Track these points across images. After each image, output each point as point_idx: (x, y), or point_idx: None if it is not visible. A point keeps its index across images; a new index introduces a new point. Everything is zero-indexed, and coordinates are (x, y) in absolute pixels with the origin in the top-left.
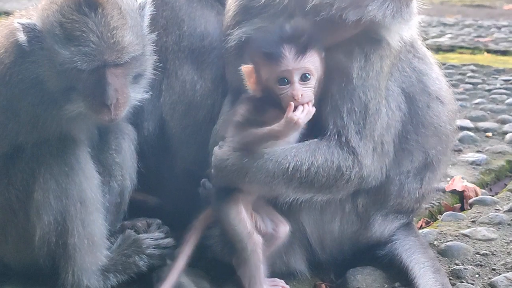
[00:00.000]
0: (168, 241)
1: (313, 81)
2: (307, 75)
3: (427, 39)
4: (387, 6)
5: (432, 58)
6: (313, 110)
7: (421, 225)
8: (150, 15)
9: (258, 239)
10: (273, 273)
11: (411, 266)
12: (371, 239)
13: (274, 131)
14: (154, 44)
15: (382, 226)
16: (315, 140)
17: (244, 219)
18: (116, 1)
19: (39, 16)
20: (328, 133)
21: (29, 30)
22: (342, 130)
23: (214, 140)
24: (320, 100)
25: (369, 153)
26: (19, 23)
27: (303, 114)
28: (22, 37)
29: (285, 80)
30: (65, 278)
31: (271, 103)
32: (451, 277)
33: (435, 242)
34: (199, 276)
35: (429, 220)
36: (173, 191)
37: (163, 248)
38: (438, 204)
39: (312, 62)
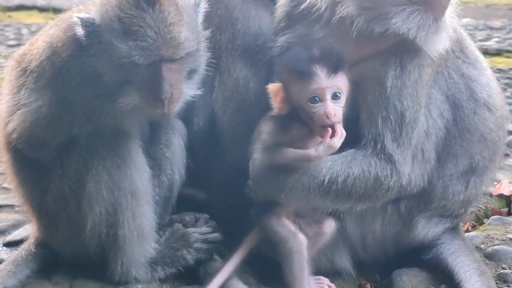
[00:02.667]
0: (215, 235)
1: (343, 100)
2: (338, 93)
3: (474, 43)
4: (412, 19)
5: (485, 63)
6: (344, 133)
7: (467, 229)
8: (205, 12)
9: (302, 239)
10: (318, 271)
11: (456, 269)
12: (414, 240)
13: (310, 156)
14: (208, 41)
15: (425, 229)
16: (351, 150)
17: (285, 224)
18: None
19: (97, 10)
20: (364, 143)
21: (88, 24)
22: (378, 138)
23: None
24: (355, 110)
25: (407, 161)
26: (78, 17)
27: (339, 139)
28: (80, 31)
29: (317, 98)
30: (114, 269)
31: (296, 121)
32: (497, 281)
33: (482, 246)
34: (245, 271)
35: (475, 224)
36: (221, 187)
37: (210, 243)
38: (484, 208)
39: (343, 81)
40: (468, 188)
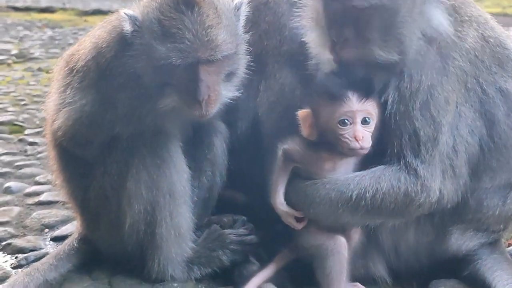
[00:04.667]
0: (251, 238)
1: (372, 126)
2: (367, 118)
3: None
4: None
5: None
6: None
7: (508, 244)
8: (247, 16)
9: (341, 239)
10: (354, 278)
11: (494, 283)
12: (447, 252)
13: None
14: (254, 46)
15: (459, 241)
16: (380, 166)
17: (318, 233)
18: (212, 0)
19: (140, 12)
20: (391, 159)
21: (133, 20)
22: (401, 155)
23: None
24: (383, 125)
25: (436, 177)
26: (125, 14)
27: None
28: (126, 26)
29: (346, 120)
30: (151, 267)
31: (323, 147)
32: None
33: None
34: (280, 275)
35: None
36: (261, 191)
37: (246, 245)
38: None
39: (373, 107)
40: (506, 203)
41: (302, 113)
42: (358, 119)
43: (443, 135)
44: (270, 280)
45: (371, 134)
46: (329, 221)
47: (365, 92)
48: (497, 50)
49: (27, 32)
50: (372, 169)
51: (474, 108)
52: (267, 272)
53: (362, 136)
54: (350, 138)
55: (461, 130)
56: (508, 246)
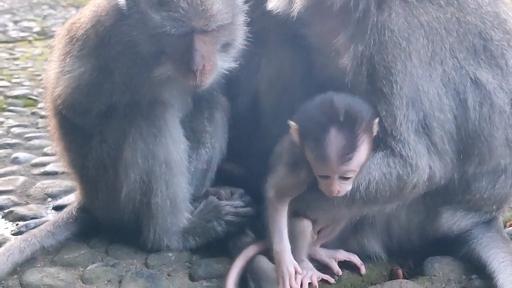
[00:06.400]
0: (247, 210)
1: (353, 177)
2: (347, 175)
3: None
4: None
5: None
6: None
7: (509, 225)
8: None
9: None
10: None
11: (489, 260)
12: (438, 231)
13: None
14: (257, 23)
15: (450, 221)
16: None
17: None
18: None
19: None
20: (376, 145)
21: None
22: (384, 138)
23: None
24: None
25: (422, 154)
26: None
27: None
28: (122, 0)
29: (325, 176)
30: (147, 236)
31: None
32: None
33: None
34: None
35: None
36: (259, 165)
37: (242, 217)
38: None
39: (359, 160)
40: (496, 188)
41: (292, 125)
42: (337, 176)
43: (400, 110)
44: (264, 253)
45: (350, 183)
46: (327, 218)
47: (350, 149)
48: (469, 38)
49: (51, 11)
50: None
51: (438, 86)
52: (261, 245)
53: (338, 191)
54: (326, 188)
55: (426, 105)
56: (509, 227)
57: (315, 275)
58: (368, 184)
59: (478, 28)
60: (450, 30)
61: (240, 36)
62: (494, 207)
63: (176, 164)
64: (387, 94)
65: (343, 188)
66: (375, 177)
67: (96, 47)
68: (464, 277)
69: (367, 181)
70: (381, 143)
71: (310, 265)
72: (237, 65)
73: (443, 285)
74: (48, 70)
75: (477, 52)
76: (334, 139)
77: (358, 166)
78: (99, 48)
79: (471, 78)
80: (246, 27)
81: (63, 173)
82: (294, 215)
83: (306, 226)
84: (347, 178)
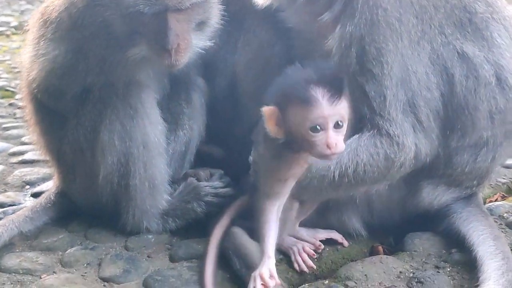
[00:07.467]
0: (226, 190)
1: (345, 128)
2: (339, 122)
3: None
4: None
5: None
6: None
7: (496, 199)
8: None
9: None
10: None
11: (468, 234)
12: (419, 206)
13: None
14: (234, 2)
15: (430, 195)
16: (354, 137)
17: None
18: None
19: None
20: (363, 125)
21: None
22: (371, 118)
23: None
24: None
25: (408, 133)
26: None
27: None
28: None
29: (318, 127)
30: (126, 219)
31: (291, 147)
32: None
33: (505, 215)
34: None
35: (505, 195)
36: (238, 146)
37: (221, 197)
38: None
39: (345, 108)
40: (477, 161)
41: (267, 110)
42: (331, 125)
43: (390, 90)
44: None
45: (344, 137)
46: (315, 201)
47: (337, 90)
48: (456, 13)
49: (29, 6)
50: (347, 142)
51: (426, 64)
52: (232, 211)
53: (335, 143)
54: (322, 145)
55: (414, 84)
56: (495, 201)
57: (306, 245)
58: (356, 166)
59: (463, 2)
60: (438, 6)
61: (215, 15)
62: (474, 182)
63: (154, 146)
64: (377, 75)
65: (339, 142)
66: (363, 159)
67: (70, 29)
68: (444, 251)
69: (355, 163)
70: (368, 123)
71: (293, 239)
72: (213, 45)
73: (423, 259)
74: (23, 54)
75: (464, 25)
76: (319, 88)
77: (346, 113)
78: (72, 30)
79: (458, 52)
80: (222, 6)
81: (41, 161)
82: None
83: (294, 205)
84: (339, 129)
